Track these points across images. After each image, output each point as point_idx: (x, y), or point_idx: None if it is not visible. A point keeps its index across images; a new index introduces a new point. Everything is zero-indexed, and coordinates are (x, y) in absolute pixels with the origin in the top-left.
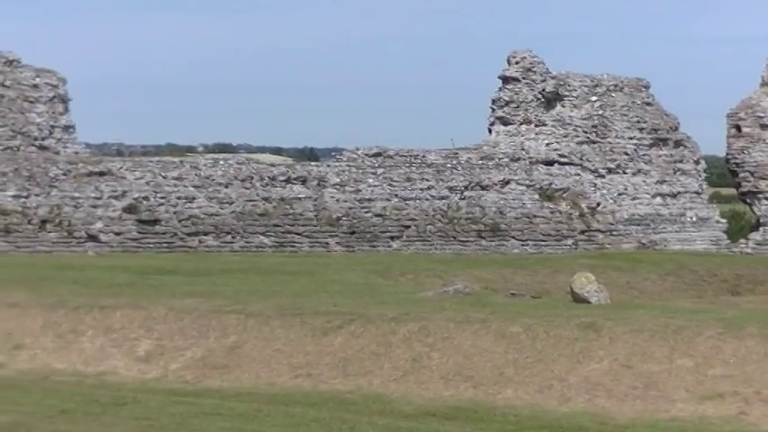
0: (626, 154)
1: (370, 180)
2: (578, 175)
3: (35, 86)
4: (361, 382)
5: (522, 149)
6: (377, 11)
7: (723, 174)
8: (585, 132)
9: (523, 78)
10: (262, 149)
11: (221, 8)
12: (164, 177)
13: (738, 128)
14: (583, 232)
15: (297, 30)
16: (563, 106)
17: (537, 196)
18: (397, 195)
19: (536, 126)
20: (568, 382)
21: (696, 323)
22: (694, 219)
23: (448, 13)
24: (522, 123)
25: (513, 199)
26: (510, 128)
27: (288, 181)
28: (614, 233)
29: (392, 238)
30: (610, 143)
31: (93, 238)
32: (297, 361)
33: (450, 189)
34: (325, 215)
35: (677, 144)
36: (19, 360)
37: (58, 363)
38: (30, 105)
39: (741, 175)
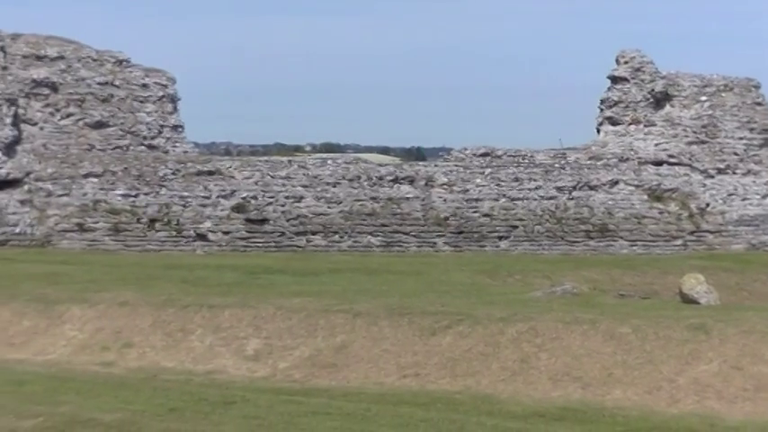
0: (735, 154)
1: (478, 180)
2: (687, 175)
3: (145, 86)
4: (470, 382)
5: (631, 150)
6: (485, 12)
7: None
8: (695, 132)
9: (632, 78)
10: (369, 149)
11: (330, 10)
12: (272, 177)
13: None
14: (692, 233)
15: (404, 31)
16: (672, 106)
17: (646, 197)
18: (504, 195)
19: (645, 126)
20: (677, 383)
21: None
22: None
23: (556, 13)
24: (630, 124)
25: (622, 199)
26: (619, 128)
27: (395, 181)
28: (724, 234)
29: (500, 238)
30: (719, 143)
31: (201, 237)
32: (405, 361)
33: (559, 189)
34: (433, 215)
35: None
36: (128, 358)
37: (167, 361)
38: (139, 105)
39: None
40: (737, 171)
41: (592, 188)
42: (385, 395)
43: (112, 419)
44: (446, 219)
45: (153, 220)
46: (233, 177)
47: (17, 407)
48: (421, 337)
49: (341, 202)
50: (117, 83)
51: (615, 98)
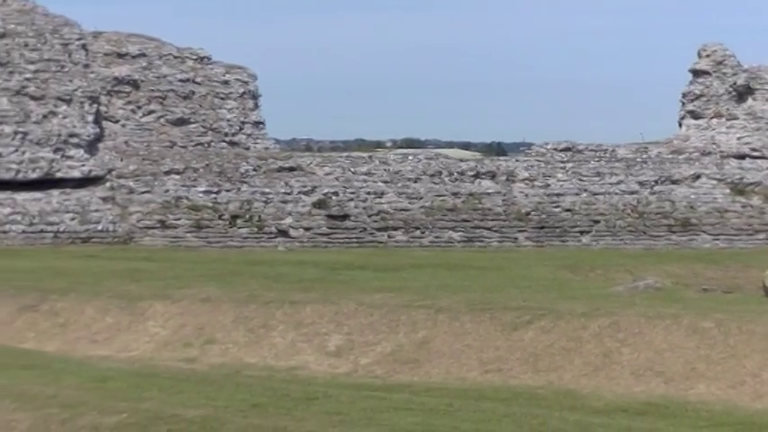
0: None
1: (560, 175)
2: None
3: (226, 83)
4: (552, 377)
5: (713, 143)
6: (563, 6)
7: None
8: None
9: (714, 72)
10: (450, 144)
11: (410, 5)
12: (353, 173)
13: None
14: None
15: (485, 26)
16: (755, 100)
17: (728, 190)
18: (586, 190)
19: (727, 120)
20: (761, 377)
21: None
22: None
23: (636, 6)
24: (712, 117)
25: (704, 193)
26: (701, 121)
27: (477, 176)
28: None
29: (582, 232)
30: None
31: (283, 233)
32: (487, 356)
33: (641, 183)
34: (514, 210)
35: None
36: (211, 354)
37: (250, 357)
38: (220, 102)
39: None
40: None
41: (674, 182)
42: (467, 390)
43: (195, 415)
44: (527, 214)
45: (234, 217)
46: (314, 173)
47: (100, 403)
48: (503, 333)
49: (422, 198)
50: (198, 80)
51: (697, 92)
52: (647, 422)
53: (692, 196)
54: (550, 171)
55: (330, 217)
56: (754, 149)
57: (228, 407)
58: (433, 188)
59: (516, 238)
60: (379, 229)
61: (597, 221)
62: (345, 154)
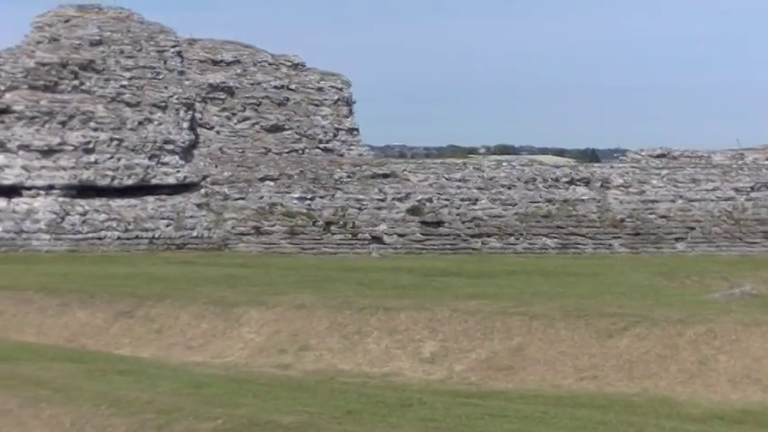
0: None
1: (654, 181)
2: None
3: (320, 90)
4: (647, 384)
5: None
6: (660, 12)
7: None
8: None
9: None
10: (544, 151)
11: (506, 10)
12: (447, 179)
13: None
14: None
15: (579, 30)
16: None
17: None
18: (681, 197)
19: None
20: None
21: None
22: None
23: (734, 13)
24: None
25: None
26: None
27: (571, 182)
28: None
29: (677, 239)
30: None
31: (377, 239)
32: (582, 363)
33: (737, 190)
34: (609, 216)
35: None
36: (305, 361)
37: (344, 364)
38: (315, 108)
39: None
40: None
41: None
42: (562, 397)
43: (291, 422)
44: (622, 220)
45: (329, 223)
46: (408, 180)
47: (196, 409)
48: (598, 339)
49: (516, 204)
50: (293, 86)
51: None
52: (745, 430)
53: None
54: (645, 177)
55: (424, 223)
56: None
57: (323, 413)
58: (528, 194)
59: (611, 245)
60: (473, 236)
61: (692, 228)
62: (439, 160)
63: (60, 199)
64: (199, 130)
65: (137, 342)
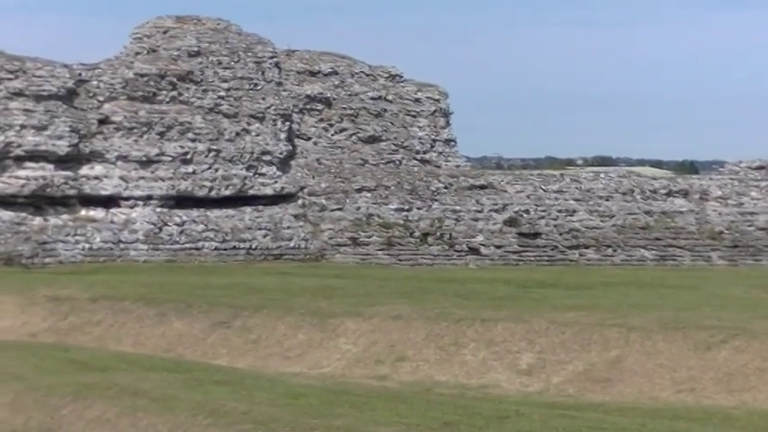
0: None
1: (753, 193)
2: None
3: (417, 101)
4: (746, 397)
5: None
6: (756, 18)
7: None
8: None
9: None
10: (641, 162)
11: (603, 22)
12: (544, 190)
13: None
14: None
15: (677, 41)
16: None
17: None
18: None
19: None
20: None
21: None
22: None
23: None
24: None
25: None
26: None
27: (669, 194)
28: None
29: None
30: None
31: (473, 250)
32: (680, 375)
33: None
34: (707, 229)
35: None
36: (402, 372)
37: (441, 375)
38: (412, 120)
39: None
40: None
41: None
42: (659, 410)
43: None
44: (720, 232)
45: (425, 234)
46: (505, 191)
47: (293, 419)
48: (696, 352)
49: (614, 216)
50: (390, 98)
51: None
52: None
53: None
54: (744, 189)
55: (521, 235)
56: None
57: (420, 424)
58: (625, 206)
59: (709, 257)
60: (570, 247)
61: None
62: (537, 172)
63: (158, 209)
64: (296, 141)
65: (234, 352)
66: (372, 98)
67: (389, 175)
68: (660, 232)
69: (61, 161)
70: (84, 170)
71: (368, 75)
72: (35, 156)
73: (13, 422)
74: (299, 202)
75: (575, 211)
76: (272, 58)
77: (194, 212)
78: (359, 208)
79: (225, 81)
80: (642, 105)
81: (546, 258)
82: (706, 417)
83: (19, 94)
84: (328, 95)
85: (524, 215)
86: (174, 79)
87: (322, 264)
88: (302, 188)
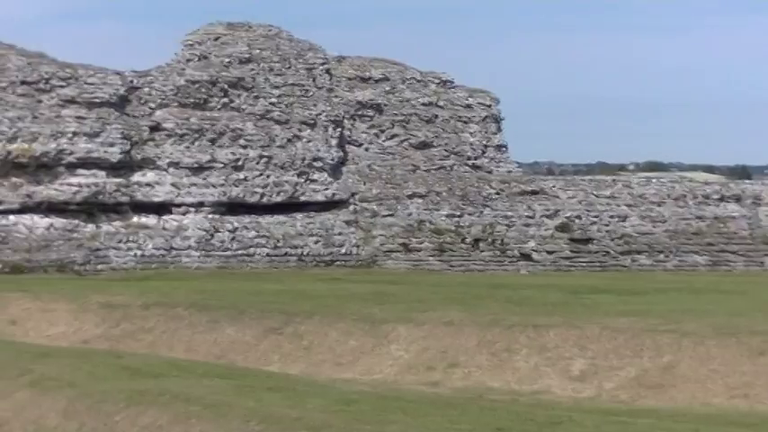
0: None
1: None
2: None
3: (468, 107)
4: None
5: None
6: None
7: None
8: None
9: None
10: (693, 167)
11: (651, 27)
12: (596, 196)
13: None
14: None
15: (723, 46)
16: None
17: None
18: None
19: None
20: None
21: None
22: None
23: None
24: None
25: None
26: None
27: (722, 199)
28: None
29: None
30: None
31: (525, 256)
32: (733, 381)
33: None
34: (761, 234)
35: None
36: (454, 378)
37: (493, 381)
38: (463, 125)
39: None
40: None
41: None
42: (712, 416)
43: None
44: None
45: (477, 240)
46: (557, 197)
47: (346, 426)
48: (749, 357)
49: (666, 221)
50: (441, 103)
51: None
52: None
53: None
54: None
55: (573, 240)
56: None
57: (473, 431)
58: (678, 211)
59: (762, 262)
60: (622, 253)
61: None
62: (588, 177)
63: (210, 216)
64: (347, 147)
65: (286, 359)
66: (423, 104)
67: (441, 181)
68: (712, 237)
69: (113, 168)
70: (136, 177)
71: (419, 81)
72: (87, 163)
73: (66, 428)
74: (351, 208)
75: (627, 216)
76: (323, 64)
77: (246, 219)
78: (410, 214)
79: (276, 87)
80: (694, 110)
81: (598, 264)
82: (759, 422)
83: (71, 101)
84: (379, 101)
85: (576, 221)
86: (226, 86)
87: (373, 270)
88: (353, 194)
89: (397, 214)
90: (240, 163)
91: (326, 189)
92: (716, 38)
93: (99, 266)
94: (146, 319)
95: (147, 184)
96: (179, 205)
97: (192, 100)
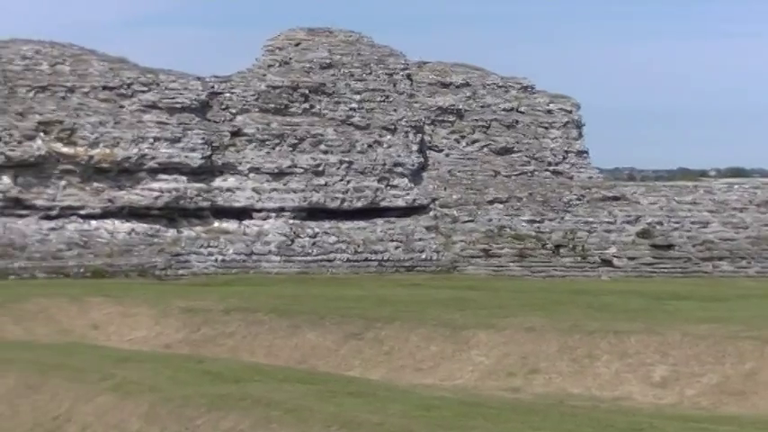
0: None
1: None
2: None
3: (549, 112)
4: None
5: None
6: None
7: None
8: None
9: None
10: None
11: (723, 32)
12: (677, 202)
13: None
14: None
15: None
16: None
17: None
18: None
19: None
20: None
21: None
22: None
23: None
24: None
25: None
26: None
27: None
28: None
29: None
30: None
31: (606, 262)
32: None
33: None
34: None
35: None
36: (535, 384)
37: (574, 387)
38: (544, 131)
39: None
40: None
41: None
42: None
43: None
44: None
45: (558, 246)
46: (638, 203)
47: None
48: None
49: (748, 228)
50: (522, 109)
51: None
52: None
53: None
54: None
55: (654, 246)
56: None
57: None
58: (760, 218)
59: None
60: (704, 259)
61: None
62: (670, 183)
63: (290, 221)
64: (428, 152)
65: (366, 364)
66: (504, 109)
67: (521, 187)
68: None
69: (194, 173)
70: (217, 182)
71: (500, 86)
72: (168, 168)
73: None
74: (431, 213)
75: (708, 222)
76: (403, 69)
77: (326, 224)
78: (491, 219)
79: (357, 93)
80: None
81: (679, 270)
82: None
83: (152, 106)
84: (460, 107)
85: (657, 227)
86: (307, 91)
87: (454, 275)
88: (434, 200)
89: (478, 220)
90: (321, 168)
91: (407, 194)
92: None
93: (180, 271)
94: (227, 323)
95: (228, 190)
96: (260, 210)
97: (272, 105)
